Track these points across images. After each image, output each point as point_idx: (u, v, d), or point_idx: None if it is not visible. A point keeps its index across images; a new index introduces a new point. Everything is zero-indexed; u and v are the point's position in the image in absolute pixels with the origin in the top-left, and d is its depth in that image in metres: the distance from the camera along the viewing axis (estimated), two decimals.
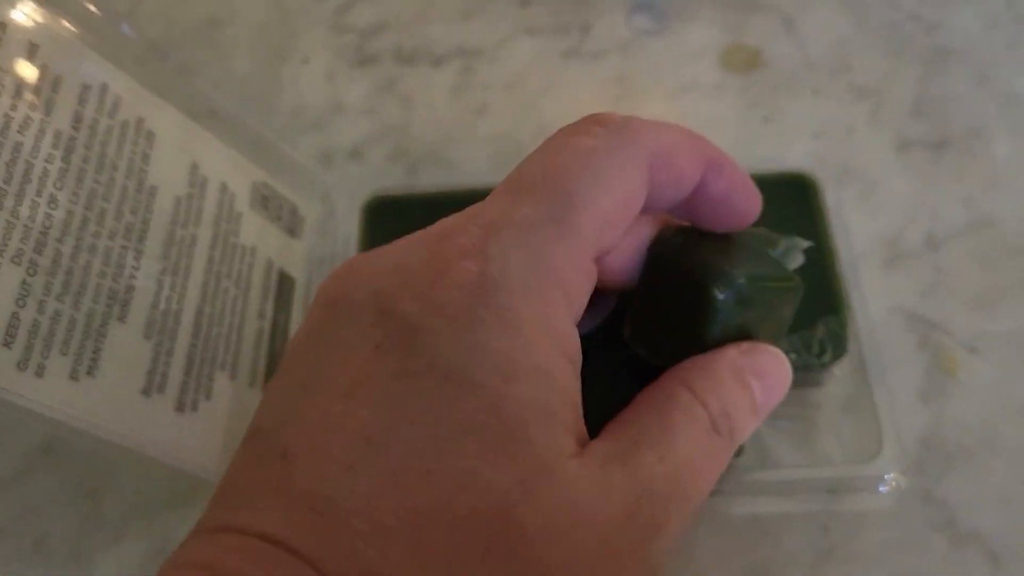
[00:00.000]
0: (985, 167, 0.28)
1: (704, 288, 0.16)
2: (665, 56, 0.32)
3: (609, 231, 0.15)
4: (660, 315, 0.17)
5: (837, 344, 0.23)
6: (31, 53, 0.20)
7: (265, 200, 0.26)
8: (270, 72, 0.33)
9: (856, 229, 0.27)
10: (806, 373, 0.24)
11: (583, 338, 0.15)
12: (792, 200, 0.27)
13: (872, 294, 0.25)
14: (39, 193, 0.18)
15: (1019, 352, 0.25)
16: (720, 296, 0.16)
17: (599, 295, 0.16)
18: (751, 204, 0.18)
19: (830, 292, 0.25)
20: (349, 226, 0.28)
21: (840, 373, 0.24)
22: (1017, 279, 0.26)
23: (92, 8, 0.22)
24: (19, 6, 0.20)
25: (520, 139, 0.31)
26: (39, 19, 0.21)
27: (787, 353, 0.23)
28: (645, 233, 0.17)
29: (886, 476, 0.22)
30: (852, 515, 0.22)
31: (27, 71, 0.19)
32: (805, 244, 0.24)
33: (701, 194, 0.17)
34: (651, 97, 0.31)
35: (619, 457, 0.14)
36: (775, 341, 0.18)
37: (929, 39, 0.32)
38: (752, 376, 0.17)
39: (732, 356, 0.17)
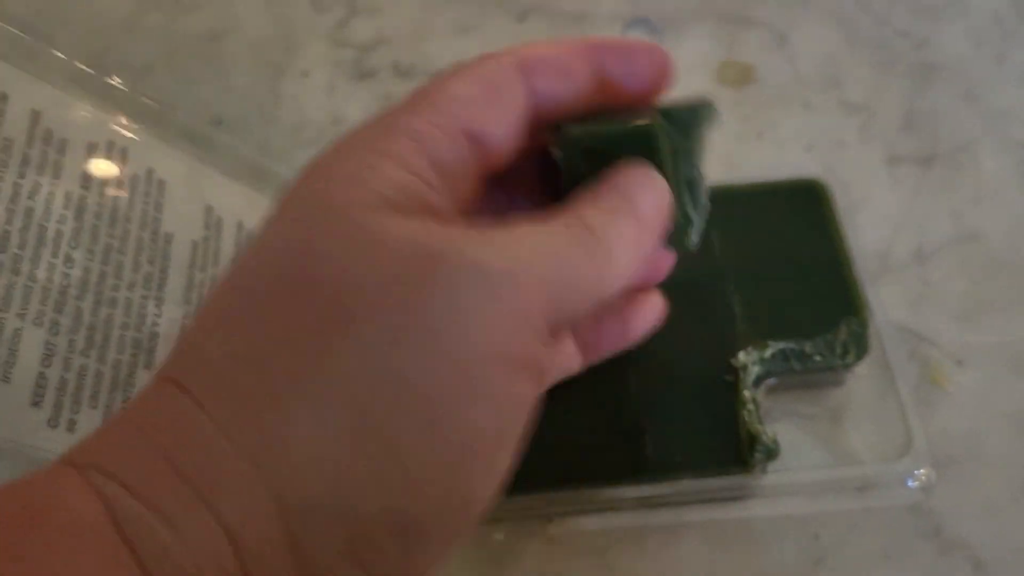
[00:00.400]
0: (972, 182, 0.29)
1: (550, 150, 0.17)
2: None
3: (468, 109, 0.17)
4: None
5: (859, 344, 0.24)
6: (34, 121, 0.20)
7: None
8: (270, 86, 0.34)
9: (848, 242, 0.28)
10: (830, 374, 0.25)
11: None
12: (803, 206, 0.28)
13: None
14: (55, 255, 0.19)
15: (1004, 364, 0.26)
16: (559, 153, 0.17)
17: None
18: (648, 67, 0.19)
19: (849, 294, 0.25)
20: None
21: (863, 373, 0.25)
22: (1002, 292, 0.27)
23: (85, 67, 0.23)
24: (17, 76, 0.21)
25: None
26: (39, 85, 0.21)
27: (812, 355, 0.24)
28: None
29: (916, 472, 0.23)
30: (843, 521, 0.23)
31: (32, 138, 0.20)
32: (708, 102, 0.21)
33: (604, 77, 0.18)
34: None
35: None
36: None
37: (918, 55, 0.33)
38: (608, 190, 0.17)
39: (594, 188, 0.18)
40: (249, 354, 0.14)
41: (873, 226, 0.28)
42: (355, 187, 0.15)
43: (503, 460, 0.15)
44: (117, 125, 0.23)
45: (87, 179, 0.21)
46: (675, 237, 0.19)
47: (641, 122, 0.18)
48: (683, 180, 0.18)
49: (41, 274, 0.19)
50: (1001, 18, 0.33)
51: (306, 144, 0.32)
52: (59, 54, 0.23)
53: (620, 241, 0.17)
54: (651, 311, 0.22)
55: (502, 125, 0.17)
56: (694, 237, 0.19)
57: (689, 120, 0.19)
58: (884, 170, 0.30)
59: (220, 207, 0.24)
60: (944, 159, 0.30)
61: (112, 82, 0.24)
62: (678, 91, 0.32)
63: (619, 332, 0.22)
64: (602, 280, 0.16)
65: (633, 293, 0.22)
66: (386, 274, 0.14)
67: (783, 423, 0.24)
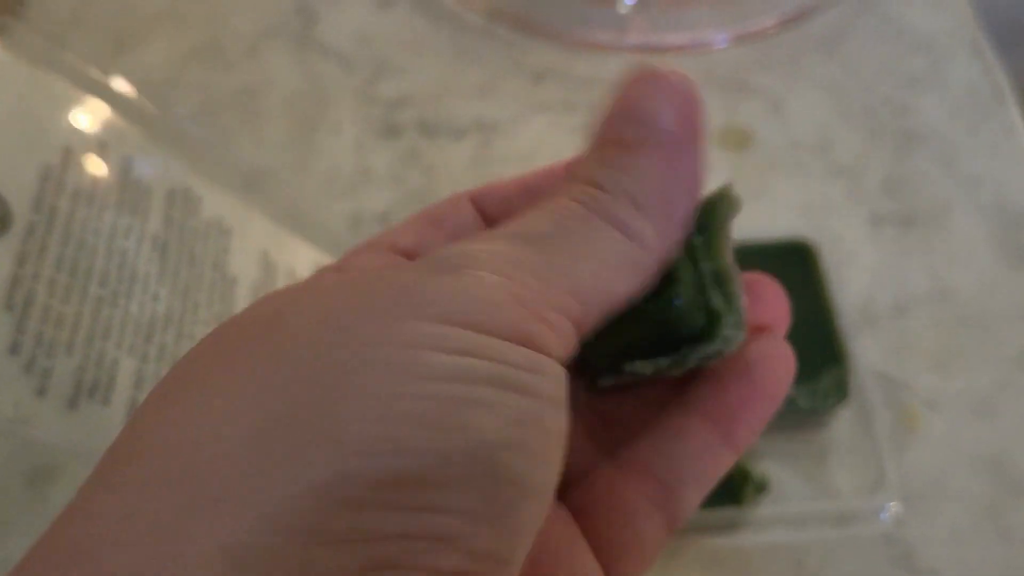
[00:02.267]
0: (947, 242, 0.34)
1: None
2: None
3: (402, 233, 0.17)
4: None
5: (840, 390, 0.29)
6: (127, 168, 0.25)
7: None
8: (303, 140, 0.38)
9: (834, 296, 0.32)
10: (815, 416, 0.29)
11: None
12: (794, 264, 0.32)
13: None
14: (144, 291, 0.23)
15: (970, 409, 0.30)
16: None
17: None
18: None
19: (833, 345, 0.30)
20: None
21: (844, 416, 0.29)
22: (971, 344, 0.31)
23: (163, 117, 0.27)
24: (108, 122, 0.25)
25: None
26: (131, 135, 0.26)
27: (796, 399, 0.28)
28: None
29: (887, 505, 0.27)
30: (824, 550, 0.27)
31: (125, 185, 0.25)
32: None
33: None
34: None
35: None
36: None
37: (901, 123, 0.37)
38: (612, 124, 0.16)
39: (593, 136, 0.16)
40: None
41: (857, 281, 0.33)
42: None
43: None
44: (193, 172, 0.27)
45: (169, 223, 0.26)
46: (706, 332, 0.17)
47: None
48: (707, 275, 0.17)
49: (134, 308, 0.23)
50: (976, 91, 0.38)
51: (337, 195, 0.37)
52: (146, 104, 0.27)
53: (646, 190, 0.15)
54: (782, 362, 0.19)
55: (439, 243, 0.17)
56: (729, 332, 0.17)
57: (707, 213, 0.17)
58: (868, 229, 0.34)
59: (273, 253, 0.29)
60: (923, 220, 0.34)
61: (188, 129, 0.28)
62: None
63: (749, 395, 0.18)
64: (636, 250, 0.15)
65: (754, 344, 0.19)
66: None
67: (772, 459, 0.29)
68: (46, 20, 0.43)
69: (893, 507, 0.27)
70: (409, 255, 0.17)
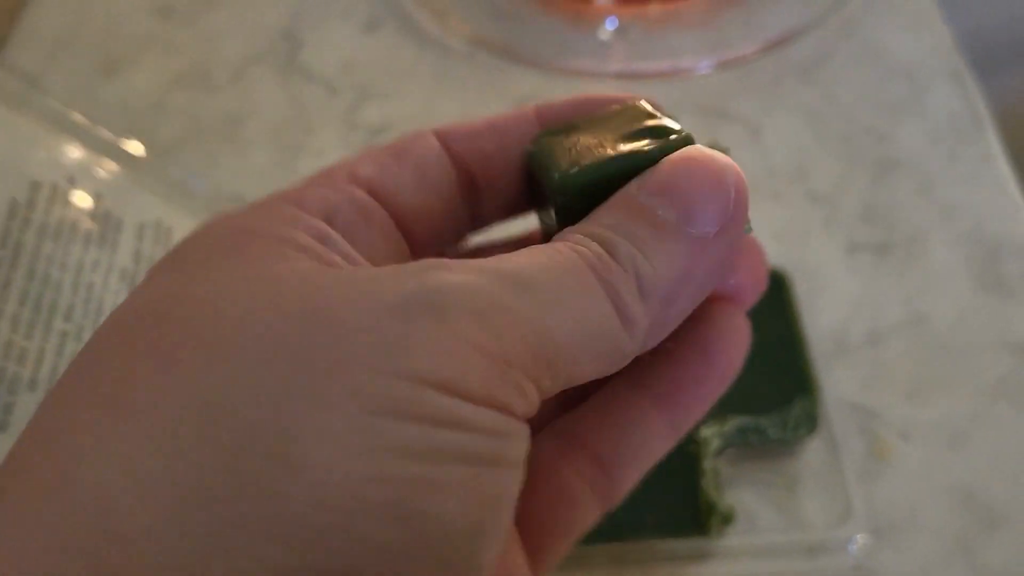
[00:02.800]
0: (923, 270, 0.34)
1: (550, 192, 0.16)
2: None
3: (363, 163, 0.16)
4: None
5: (810, 421, 0.29)
6: (96, 201, 0.25)
7: None
8: (288, 165, 0.39)
9: (808, 322, 0.32)
10: (785, 446, 0.29)
11: None
12: (766, 293, 0.32)
13: (821, 382, 0.30)
14: None
15: (944, 440, 0.30)
16: (557, 198, 0.16)
17: None
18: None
19: (803, 375, 0.30)
20: None
21: (814, 446, 0.29)
22: (946, 373, 0.31)
23: (141, 152, 0.28)
24: (78, 157, 0.26)
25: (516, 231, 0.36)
26: (100, 168, 0.26)
27: (767, 429, 0.28)
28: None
29: (855, 537, 0.27)
30: None
31: (94, 219, 0.25)
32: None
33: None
34: None
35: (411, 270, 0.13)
36: None
37: (879, 150, 0.37)
38: (648, 195, 0.14)
39: (621, 194, 0.15)
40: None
41: (832, 309, 0.33)
42: (233, 249, 0.13)
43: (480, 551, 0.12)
44: (164, 204, 0.28)
45: (139, 256, 0.26)
46: None
47: (673, 134, 0.16)
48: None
49: None
50: (955, 118, 0.38)
51: None
52: (116, 138, 0.28)
53: (658, 278, 0.14)
54: (738, 340, 0.18)
55: (403, 178, 0.16)
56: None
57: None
58: (844, 257, 0.34)
59: None
60: (899, 248, 0.34)
61: (157, 162, 0.29)
62: None
63: (701, 375, 0.18)
64: (621, 333, 0.14)
65: (713, 319, 0.18)
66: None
67: (742, 489, 0.29)
68: (33, 44, 0.43)
69: (861, 539, 0.27)
70: (371, 187, 0.16)
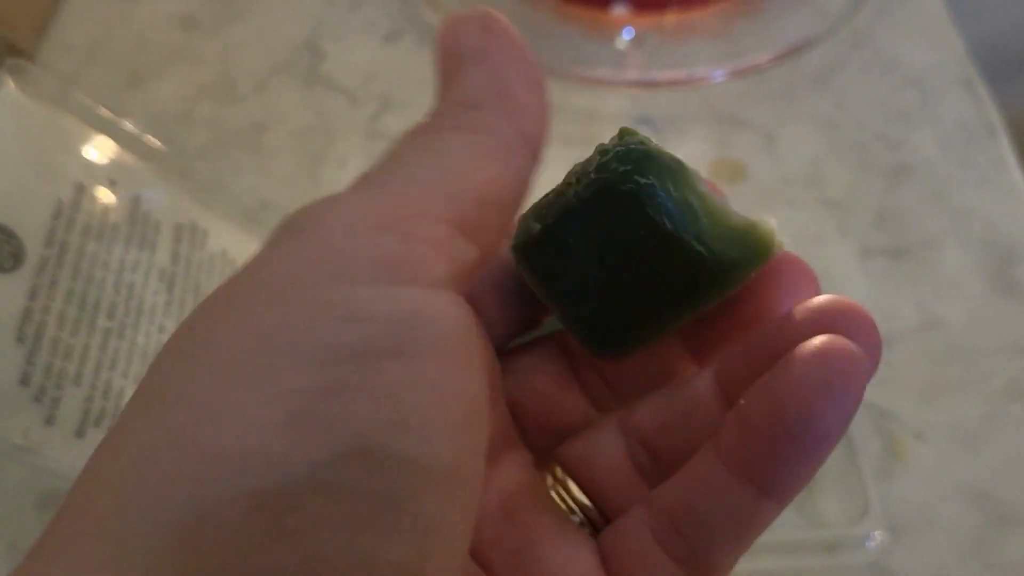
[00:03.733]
0: (936, 274, 0.34)
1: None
2: None
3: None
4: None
5: None
6: (135, 205, 0.26)
7: None
8: (311, 174, 0.40)
9: None
10: None
11: None
12: None
13: None
14: (151, 322, 0.25)
15: (959, 440, 0.30)
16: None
17: None
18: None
19: None
20: None
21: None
22: (959, 375, 0.32)
23: (171, 154, 0.29)
24: (118, 159, 0.27)
25: None
26: (141, 172, 0.27)
27: None
28: None
29: (872, 534, 0.28)
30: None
31: (134, 220, 0.26)
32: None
33: None
34: None
35: None
36: None
37: (892, 156, 0.38)
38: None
39: None
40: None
41: None
42: None
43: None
44: (201, 207, 0.29)
45: (176, 257, 0.27)
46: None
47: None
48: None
49: (140, 339, 0.24)
50: (967, 125, 0.39)
51: None
52: (154, 141, 0.29)
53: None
54: (798, 281, 0.17)
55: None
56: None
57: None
58: (858, 262, 0.35)
59: None
60: (912, 253, 0.35)
61: (194, 166, 0.30)
62: None
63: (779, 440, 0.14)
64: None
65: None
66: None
67: None
68: (63, 55, 0.44)
69: (878, 536, 0.28)
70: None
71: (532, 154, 0.15)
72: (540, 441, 0.17)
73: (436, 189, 0.14)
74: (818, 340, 0.14)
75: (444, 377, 0.12)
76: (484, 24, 0.16)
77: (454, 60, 0.16)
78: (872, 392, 0.31)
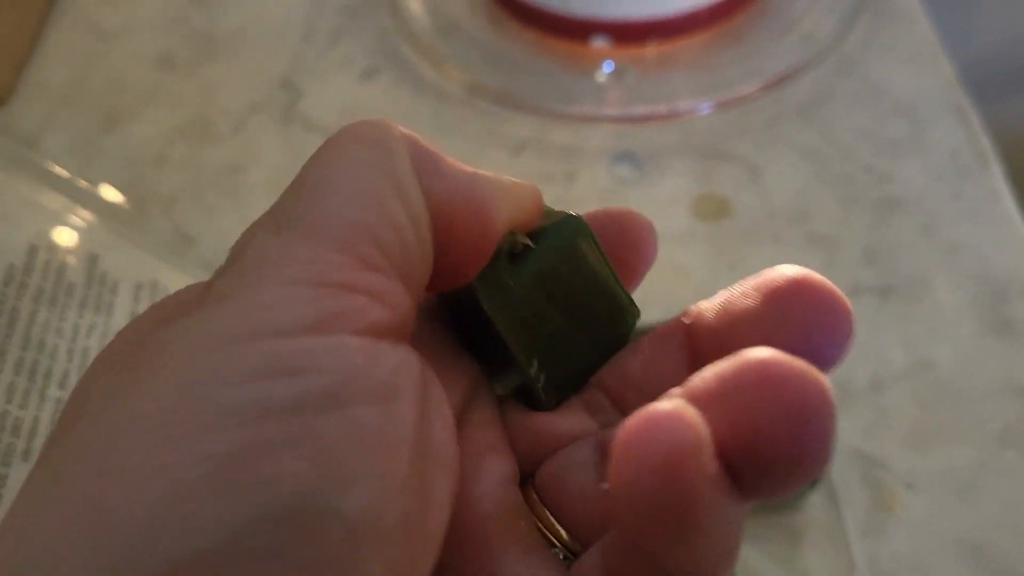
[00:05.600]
0: (926, 313, 0.34)
1: None
2: (642, 204, 0.38)
3: None
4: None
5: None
6: (92, 264, 0.26)
7: None
8: None
9: None
10: (786, 502, 0.29)
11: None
12: None
13: None
14: None
15: (951, 490, 0.29)
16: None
17: None
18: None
19: None
20: None
21: (816, 501, 0.29)
22: (952, 420, 0.31)
23: (137, 210, 0.28)
24: (81, 220, 0.26)
25: None
26: (99, 230, 0.27)
27: None
28: None
29: None
30: None
31: (91, 281, 0.25)
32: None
33: None
34: None
35: None
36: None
37: (880, 190, 0.37)
38: None
39: None
40: None
41: None
42: None
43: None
44: (160, 263, 0.28)
45: (135, 316, 0.26)
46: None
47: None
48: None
49: None
50: (957, 156, 0.38)
51: None
52: (107, 195, 0.29)
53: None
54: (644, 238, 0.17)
55: None
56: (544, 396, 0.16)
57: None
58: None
59: None
60: (901, 291, 0.34)
61: (156, 221, 0.29)
62: (658, 224, 0.37)
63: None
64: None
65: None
66: None
67: (746, 544, 0.28)
68: (40, 95, 0.44)
69: None
70: None
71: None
72: (527, 453, 0.16)
73: (363, 232, 0.13)
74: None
75: (387, 425, 0.12)
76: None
77: None
78: (859, 439, 0.31)
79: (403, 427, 0.12)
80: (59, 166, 0.30)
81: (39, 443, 0.22)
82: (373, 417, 0.11)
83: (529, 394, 0.17)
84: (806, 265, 0.36)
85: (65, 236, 0.26)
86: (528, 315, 0.16)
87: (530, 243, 0.16)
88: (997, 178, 0.38)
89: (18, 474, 0.22)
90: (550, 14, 0.42)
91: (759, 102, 0.40)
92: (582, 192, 0.39)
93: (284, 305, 0.12)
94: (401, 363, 0.12)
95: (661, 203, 0.38)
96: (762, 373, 0.12)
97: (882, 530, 0.29)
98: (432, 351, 0.16)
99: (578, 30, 0.41)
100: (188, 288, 0.14)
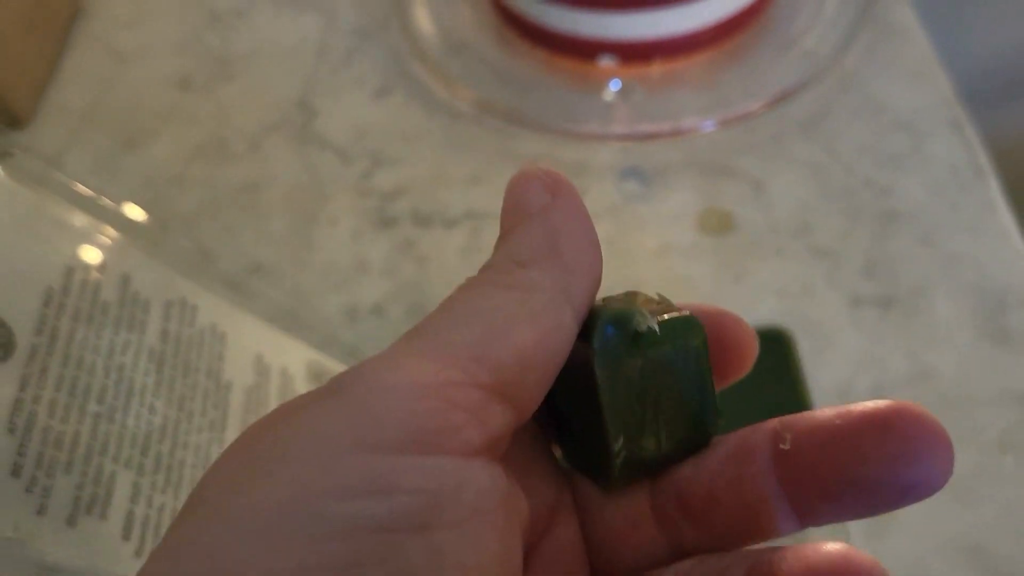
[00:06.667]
0: (927, 323, 0.35)
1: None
2: (649, 220, 0.39)
3: None
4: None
5: None
6: (125, 283, 0.27)
7: (319, 376, 0.33)
8: (303, 233, 0.41)
9: (812, 379, 0.33)
10: None
11: None
12: (770, 352, 0.33)
13: None
14: (141, 404, 0.25)
15: (951, 494, 0.31)
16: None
17: None
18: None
19: None
20: None
21: None
22: (950, 426, 0.32)
23: (165, 229, 0.30)
24: (107, 240, 0.28)
25: None
26: (128, 250, 0.28)
27: None
28: None
29: None
30: None
31: (123, 301, 0.27)
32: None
33: None
34: (635, 258, 0.38)
35: None
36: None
37: (881, 202, 0.39)
38: None
39: None
40: None
41: (836, 364, 0.34)
42: None
43: None
44: (188, 282, 0.30)
45: (165, 335, 0.28)
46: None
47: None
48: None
49: (131, 422, 0.25)
50: (956, 170, 0.39)
51: (333, 288, 0.39)
52: (132, 214, 0.30)
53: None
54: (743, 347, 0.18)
55: None
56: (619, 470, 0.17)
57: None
58: (847, 312, 0.36)
59: (267, 355, 0.31)
60: (903, 301, 0.36)
61: (179, 239, 0.31)
62: (664, 238, 0.39)
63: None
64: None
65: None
66: None
67: None
68: (61, 118, 0.46)
69: None
70: None
71: (576, 314, 0.16)
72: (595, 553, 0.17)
73: (478, 352, 0.14)
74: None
75: (469, 552, 0.13)
76: (549, 183, 0.17)
77: (516, 214, 0.17)
78: None
79: (483, 553, 0.13)
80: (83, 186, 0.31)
81: (80, 455, 0.24)
82: (455, 543, 0.12)
83: (598, 470, 0.17)
84: (809, 278, 0.38)
85: (97, 256, 0.27)
86: (630, 394, 0.17)
87: (656, 329, 0.17)
88: (994, 191, 0.39)
89: (61, 486, 0.23)
90: (558, 34, 0.43)
91: (762, 119, 0.42)
92: (591, 207, 0.39)
93: (386, 417, 0.13)
94: (490, 486, 0.13)
95: (667, 218, 0.39)
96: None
97: (884, 532, 0.30)
98: (523, 458, 0.17)
99: (586, 50, 0.43)
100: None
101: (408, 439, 0.13)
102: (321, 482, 0.12)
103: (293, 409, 0.14)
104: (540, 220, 0.17)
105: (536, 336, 0.15)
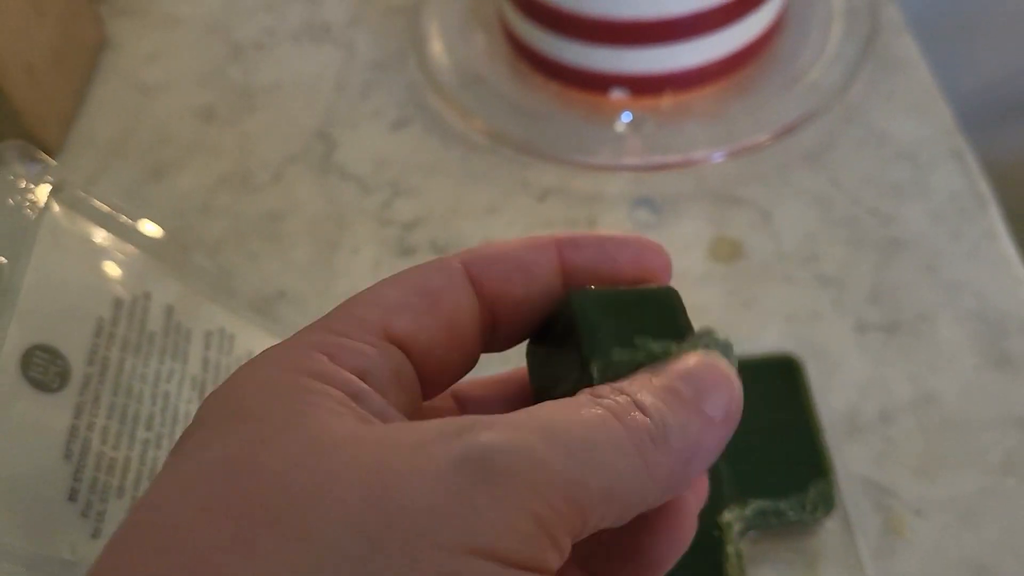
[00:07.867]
0: (930, 348, 0.36)
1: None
2: None
3: (391, 317, 0.17)
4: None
5: (826, 502, 0.31)
6: (168, 315, 0.29)
7: None
8: (325, 261, 0.42)
9: (821, 403, 0.35)
10: (803, 527, 0.31)
11: None
12: (780, 378, 0.35)
13: (835, 461, 0.33)
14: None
15: (957, 516, 0.32)
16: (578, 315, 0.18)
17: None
18: (631, 256, 0.20)
19: (818, 458, 0.32)
20: None
21: (831, 526, 0.32)
22: (955, 450, 0.34)
23: (204, 262, 0.31)
24: (152, 270, 0.29)
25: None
26: (168, 280, 0.30)
27: (786, 512, 0.30)
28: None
29: None
30: None
31: (167, 330, 0.28)
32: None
33: (574, 270, 0.19)
34: None
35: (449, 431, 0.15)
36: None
37: (885, 231, 0.40)
38: (673, 376, 0.17)
39: (647, 369, 0.17)
40: None
41: (843, 389, 0.36)
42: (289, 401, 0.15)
43: None
44: (223, 314, 0.31)
45: (206, 363, 0.29)
46: None
47: (699, 337, 0.19)
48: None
49: None
50: (958, 197, 0.41)
51: None
52: (166, 246, 0.31)
53: (682, 438, 0.16)
54: (679, 536, 0.19)
55: (434, 332, 0.18)
56: None
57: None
58: (853, 338, 0.37)
59: None
60: (907, 328, 0.37)
61: (212, 269, 0.32)
62: (676, 266, 0.40)
63: (632, 565, 0.19)
64: (647, 484, 0.15)
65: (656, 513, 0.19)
66: (351, 481, 0.14)
67: (765, 567, 0.31)
68: (88, 150, 0.48)
69: None
70: (404, 344, 0.17)
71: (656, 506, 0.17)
72: None
73: (585, 508, 0.15)
74: None
75: None
76: (734, 408, 0.18)
77: (691, 397, 0.17)
78: (870, 468, 0.33)
79: None
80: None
81: (130, 480, 0.25)
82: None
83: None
84: (816, 304, 0.39)
85: (141, 286, 0.29)
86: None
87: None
88: (995, 219, 0.41)
89: (114, 510, 0.24)
90: (571, 68, 0.45)
91: (769, 150, 0.43)
92: None
93: (512, 532, 0.14)
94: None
95: (679, 246, 0.41)
96: None
97: (892, 553, 0.31)
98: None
99: (598, 83, 0.45)
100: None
101: (529, 562, 0.14)
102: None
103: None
104: (707, 425, 0.17)
105: (620, 518, 0.16)
